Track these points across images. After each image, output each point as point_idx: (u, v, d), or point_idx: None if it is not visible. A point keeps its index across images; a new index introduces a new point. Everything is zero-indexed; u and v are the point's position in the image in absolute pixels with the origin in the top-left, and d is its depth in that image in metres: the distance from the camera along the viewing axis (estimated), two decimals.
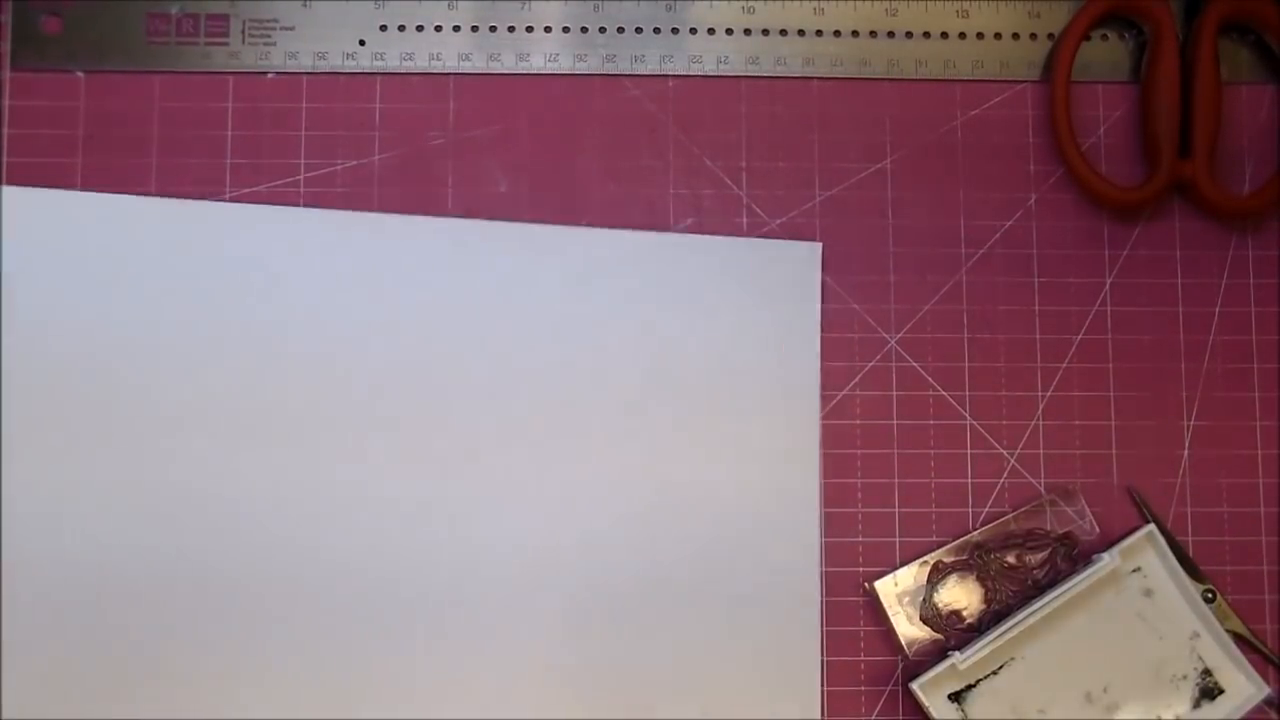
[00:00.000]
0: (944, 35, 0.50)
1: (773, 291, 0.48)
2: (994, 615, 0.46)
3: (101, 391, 0.46)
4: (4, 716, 0.45)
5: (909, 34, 0.50)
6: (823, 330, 0.48)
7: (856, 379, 0.48)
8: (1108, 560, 0.45)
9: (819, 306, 0.48)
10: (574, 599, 0.46)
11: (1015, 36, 0.50)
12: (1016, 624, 0.44)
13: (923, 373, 0.49)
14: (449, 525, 0.46)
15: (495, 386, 0.47)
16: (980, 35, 0.50)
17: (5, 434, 0.46)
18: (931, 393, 0.49)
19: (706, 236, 0.48)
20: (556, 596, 0.46)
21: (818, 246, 0.48)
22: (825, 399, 0.48)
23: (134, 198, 0.47)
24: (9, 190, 0.47)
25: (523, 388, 0.47)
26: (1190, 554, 0.48)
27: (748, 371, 0.47)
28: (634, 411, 0.47)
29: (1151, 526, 0.46)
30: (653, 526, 0.46)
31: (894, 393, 0.49)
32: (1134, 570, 0.46)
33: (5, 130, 0.48)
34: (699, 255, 0.48)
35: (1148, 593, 0.46)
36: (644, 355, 0.47)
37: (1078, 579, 0.45)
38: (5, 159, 0.47)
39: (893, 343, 0.49)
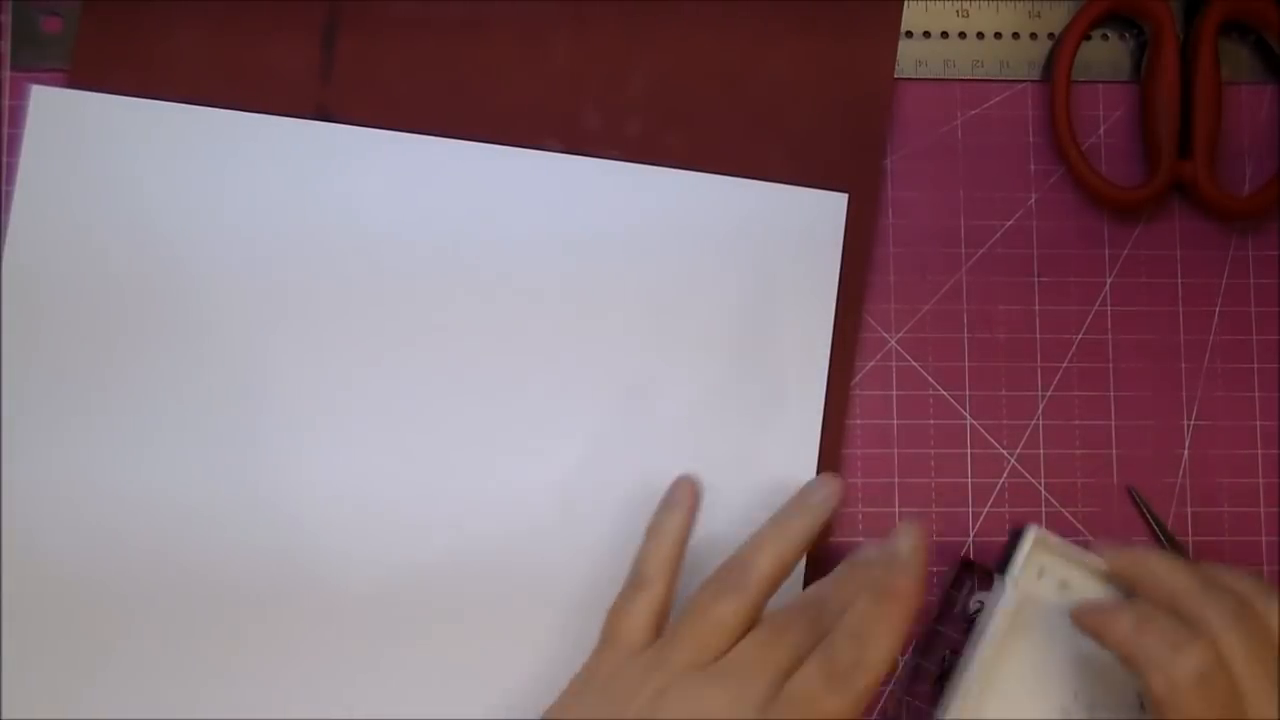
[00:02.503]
0: (944, 35, 0.50)
1: (796, 237, 0.48)
2: (950, 661, 0.45)
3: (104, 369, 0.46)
4: (4, 717, 0.45)
5: (909, 33, 0.50)
6: None
7: (857, 379, 0.48)
8: (1009, 592, 0.43)
9: (840, 255, 0.48)
10: (574, 563, 0.46)
11: (1015, 36, 0.50)
12: (968, 674, 0.43)
13: (923, 373, 0.49)
14: (453, 522, 0.46)
15: (508, 323, 0.47)
16: (980, 35, 0.50)
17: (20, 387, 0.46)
18: (931, 393, 0.49)
19: (734, 178, 0.48)
20: (564, 555, 0.46)
21: (843, 198, 0.48)
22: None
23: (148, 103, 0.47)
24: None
25: (538, 324, 0.47)
26: (1190, 554, 0.48)
27: (763, 313, 0.47)
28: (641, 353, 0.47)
29: (1033, 530, 0.44)
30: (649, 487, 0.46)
31: (894, 392, 0.49)
32: (1040, 575, 0.44)
33: (5, 130, 0.48)
34: (725, 195, 0.48)
35: (1063, 586, 0.44)
36: (661, 286, 0.48)
37: (994, 621, 0.43)
38: (5, 159, 0.47)
39: (893, 343, 0.49)
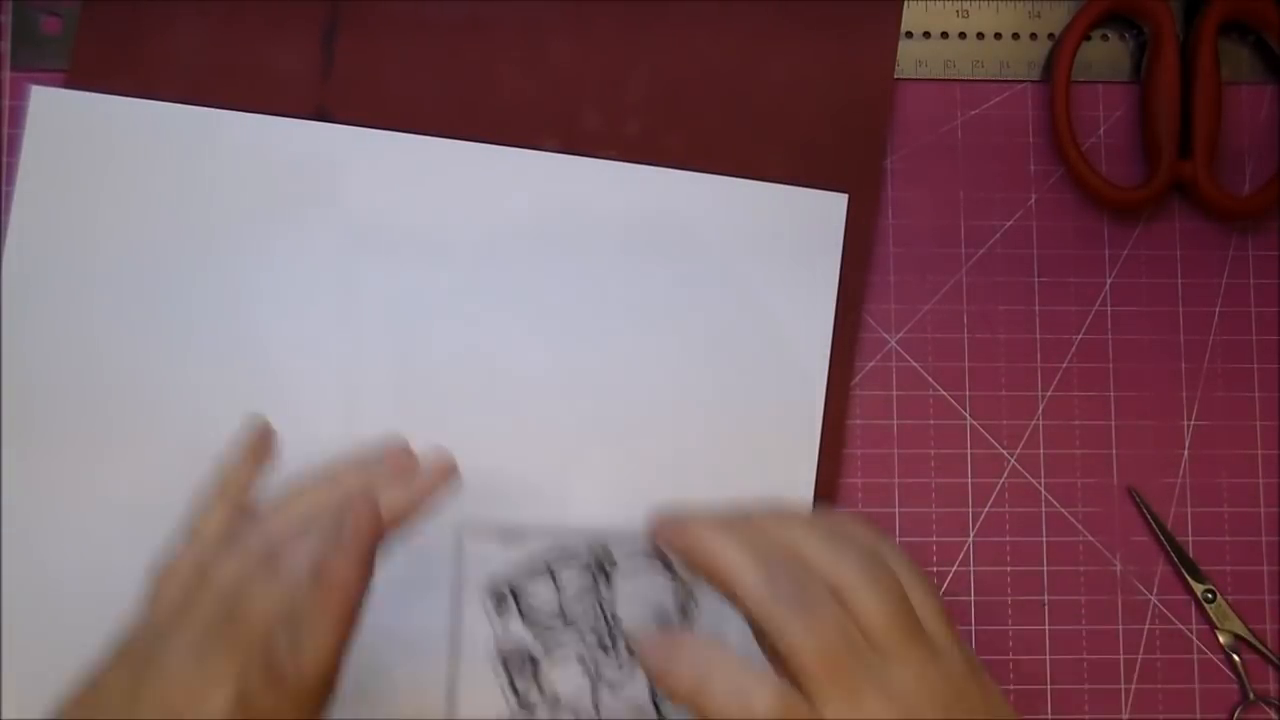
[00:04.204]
0: (944, 35, 0.50)
1: (795, 237, 0.48)
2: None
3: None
4: (4, 717, 0.45)
5: (909, 34, 0.50)
6: None
7: (857, 379, 0.48)
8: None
9: (839, 255, 0.48)
10: None
11: (1015, 36, 0.50)
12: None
13: (923, 373, 0.49)
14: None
15: (509, 323, 0.47)
16: (980, 35, 0.50)
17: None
18: (931, 393, 0.49)
19: (733, 178, 0.48)
20: None
21: (843, 198, 0.48)
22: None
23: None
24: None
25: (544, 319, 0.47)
26: (1190, 554, 0.48)
27: (762, 313, 0.47)
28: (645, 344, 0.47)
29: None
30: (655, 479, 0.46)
31: (894, 392, 0.49)
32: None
33: (5, 130, 0.48)
34: (725, 195, 0.48)
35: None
36: (661, 286, 0.48)
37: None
38: (5, 159, 0.47)
39: (893, 343, 0.49)
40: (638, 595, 0.39)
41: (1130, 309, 0.49)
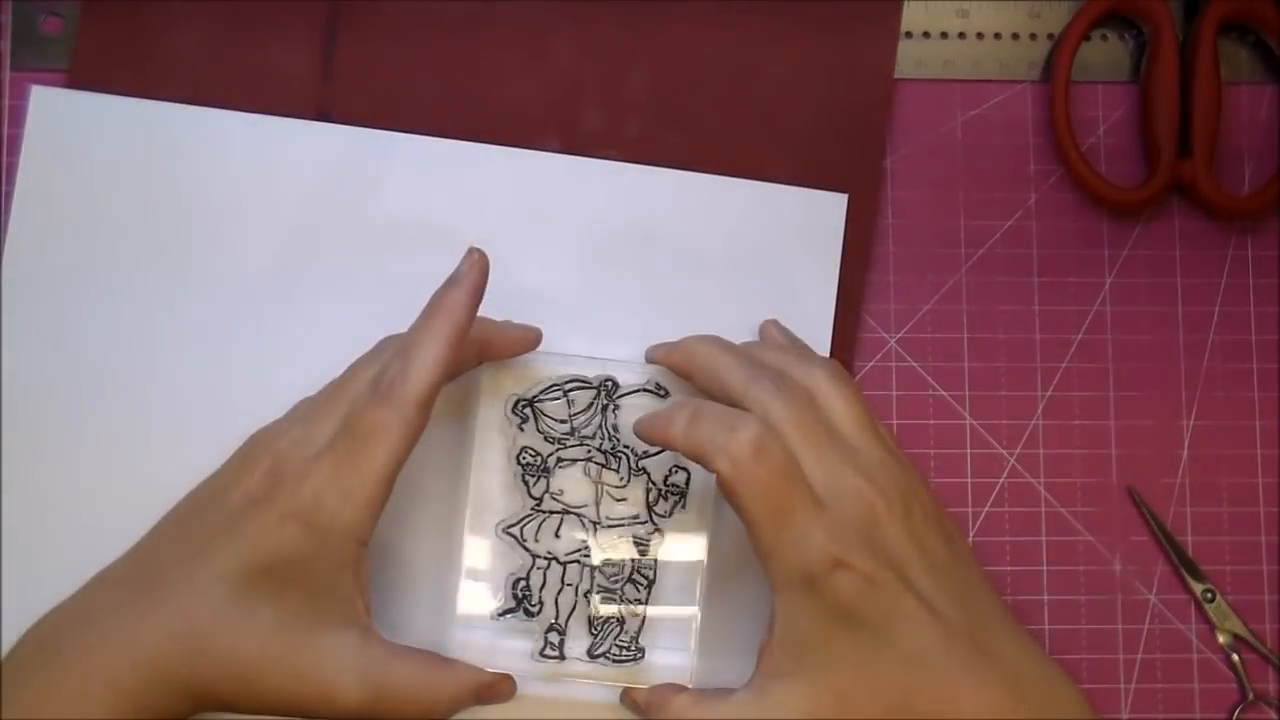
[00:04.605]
0: (944, 35, 0.50)
1: (795, 237, 0.48)
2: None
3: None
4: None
5: (909, 34, 0.50)
6: None
7: (857, 379, 0.48)
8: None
9: (839, 255, 0.48)
10: None
11: (1015, 36, 0.50)
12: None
13: (923, 373, 0.49)
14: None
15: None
16: (980, 35, 0.50)
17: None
18: (931, 393, 0.49)
19: (734, 178, 0.48)
20: None
21: (843, 198, 0.48)
22: None
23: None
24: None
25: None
26: (1190, 554, 0.48)
27: (762, 313, 0.47)
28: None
29: None
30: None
31: (894, 392, 0.49)
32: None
33: (5, 130, 0.48)
34: (725, 195, 0.48)
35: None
36: (661, 286, 0.48)
37: None
38: (5, 159, 0.47)
39: (892, 343, 0.49)
40: (636, 418, 0.43)
41: (1130, 309, 0.49)
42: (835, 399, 0.41)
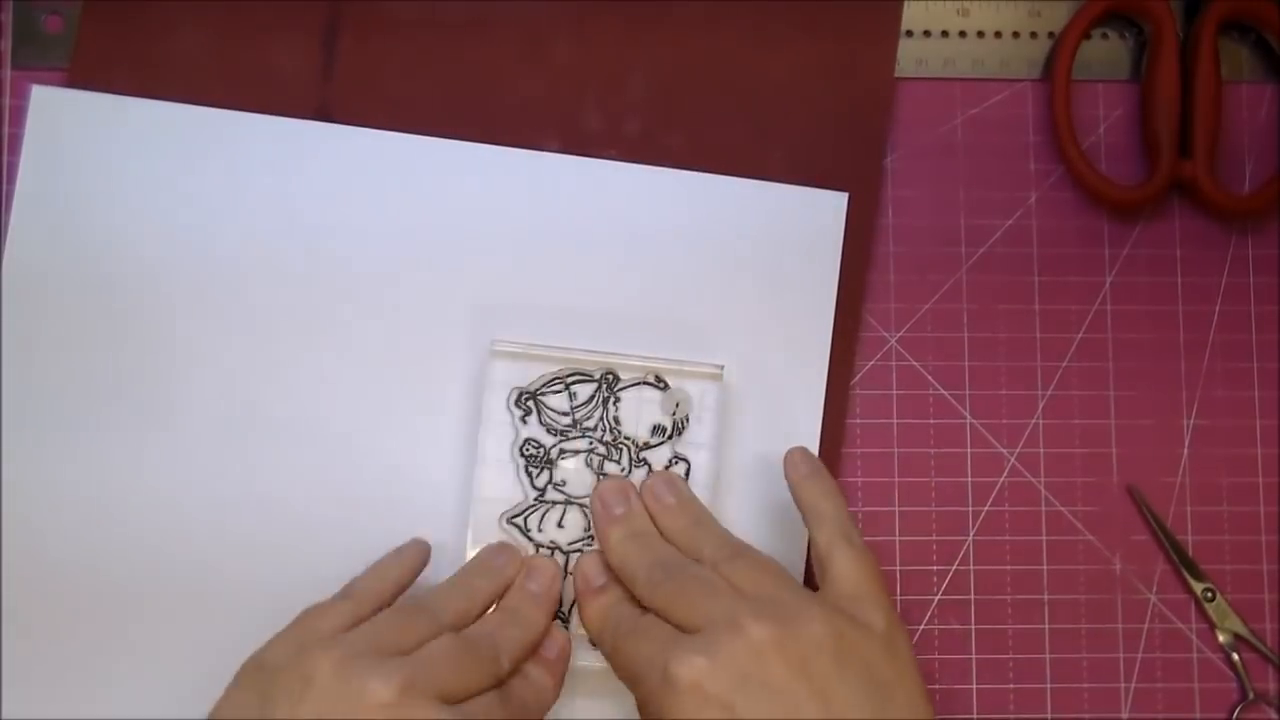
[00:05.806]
0: (944, 34, 0.50)
1: (795, 236, 0.48)
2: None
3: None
4: (4, 716, 0.45)
5: (909, 32, 0.50)
6: None
7: (857, 378, 0.48)
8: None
9: (839, 254, 0.48)
10: None
11: (1015, 35, 0.50)
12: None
13: (923, 372, 0.49)
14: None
15: (509, 322, 0.47)
16: (980, 34, 0.50)
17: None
18: (931, 392, 0.49)
19: (733, 178, 0.48)
20: None
21: (843, 197, 0.48)
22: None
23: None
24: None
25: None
26: (1190, 554, 0.48)
27: (763, 312, 0.48)
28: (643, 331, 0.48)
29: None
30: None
31: (894, 392, 0.49)
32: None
33: (5, 130, 0.48)
34: (725, 194, 0.48)
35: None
36: (661, 286, 0.48)
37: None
38: (5, 159, 0.47)
39: (893, 342, 0.49)
40: (636, 410, 0.45)
41: (1130, 308, 0.49)
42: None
